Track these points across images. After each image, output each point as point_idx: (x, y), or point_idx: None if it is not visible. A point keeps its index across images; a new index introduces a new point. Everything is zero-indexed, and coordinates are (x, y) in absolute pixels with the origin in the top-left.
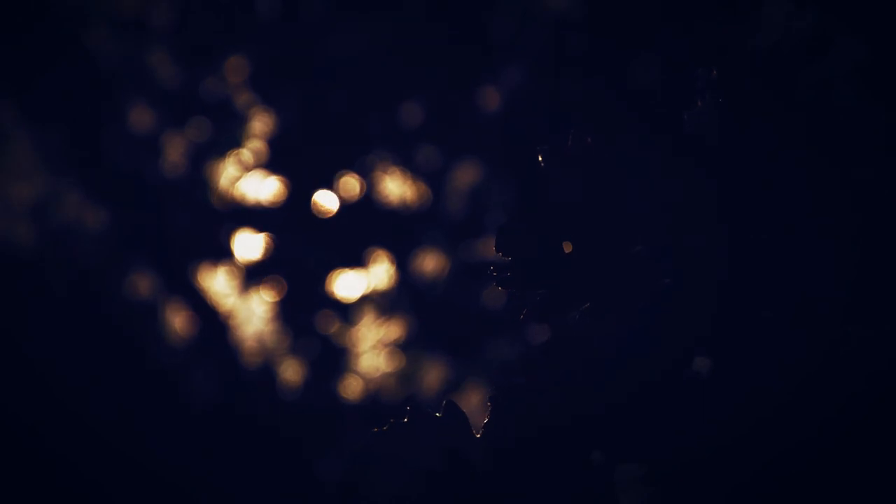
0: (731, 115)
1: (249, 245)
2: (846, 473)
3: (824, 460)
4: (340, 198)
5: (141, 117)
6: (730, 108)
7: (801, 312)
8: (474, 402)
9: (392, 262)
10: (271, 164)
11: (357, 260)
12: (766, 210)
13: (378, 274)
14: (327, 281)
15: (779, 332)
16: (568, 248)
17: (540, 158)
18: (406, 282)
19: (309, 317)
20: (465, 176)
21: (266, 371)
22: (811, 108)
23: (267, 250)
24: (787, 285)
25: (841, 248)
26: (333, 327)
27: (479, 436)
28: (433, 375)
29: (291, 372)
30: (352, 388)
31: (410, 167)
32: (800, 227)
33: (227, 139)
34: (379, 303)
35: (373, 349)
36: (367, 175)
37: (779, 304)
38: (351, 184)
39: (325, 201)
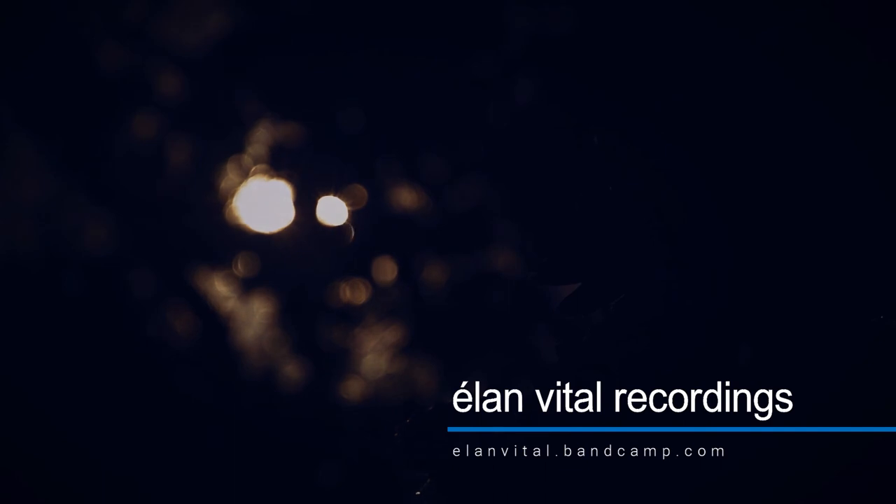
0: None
1: (252, 249)
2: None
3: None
4: (346, 205)
5: (144, 123)
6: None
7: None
8: None
9: (395, 269)
10: (275, 169)
11: (361, 265)
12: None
13: (381, 279)
14: (329, 286)
15: (820, 323)
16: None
17: (595, 140)
18: (409, 287)
19: (311, 321)
20: (470, 183)
21: (266, 374)
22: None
23: (269, 255)
24: (825, 275)
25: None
26: (335, 331)
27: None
28: (435, 379)
29: (292, 375)
30: (353, 391)
31: (416, 175)
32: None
33: (231, 145)
34: (382, 308)
35: (375, 353)
36: (372, 182)
37: (817, 294)
38: (357, 190)
39: (331, 213)
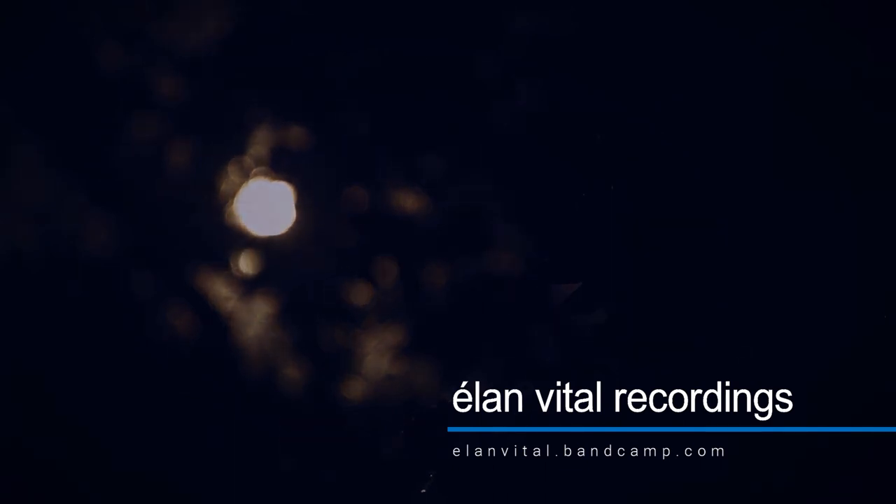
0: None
1: (253, 250)
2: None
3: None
4: (347, 207)
5: (145, 124)
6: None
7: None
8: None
9: (396, 270)
10: (275, 171)
11: (362, 267)
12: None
13: (382, 281)
14: (330, 287)
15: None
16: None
17: (599, 138)
18: (409, 288)
19: (312, 322)
20: (470, 183)
21: (267, 374)
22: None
23: (271, 256)
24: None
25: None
26: (336, 332)
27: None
28: (435, 379)
29: (293, 376)
30: (354, 392)
31: (416, 177)
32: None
33: (232, 146)
34: (383, 309)
35: (376, 354)
36: (372, 184)
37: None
38: (357, 193)
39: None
